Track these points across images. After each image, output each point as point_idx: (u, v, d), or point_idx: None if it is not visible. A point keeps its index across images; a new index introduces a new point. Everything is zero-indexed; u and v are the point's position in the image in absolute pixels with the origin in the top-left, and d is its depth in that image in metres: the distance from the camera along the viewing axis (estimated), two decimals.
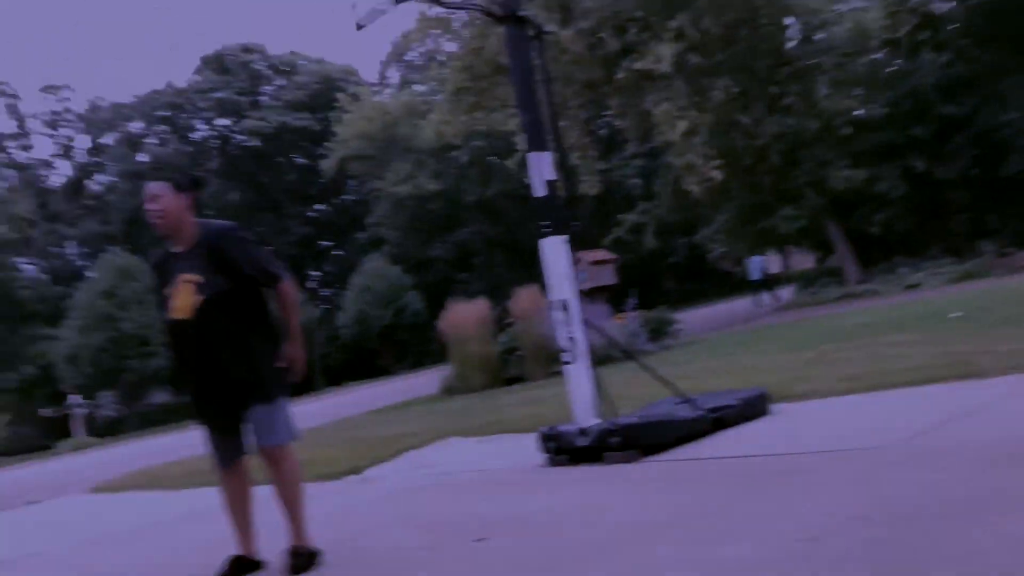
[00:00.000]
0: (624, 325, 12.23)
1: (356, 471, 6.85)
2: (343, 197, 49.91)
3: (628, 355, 6.62)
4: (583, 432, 5.12)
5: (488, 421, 7.94)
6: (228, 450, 3.72)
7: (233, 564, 3.69)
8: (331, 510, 5.17)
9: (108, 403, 35.81)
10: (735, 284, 32.32)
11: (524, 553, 3.35)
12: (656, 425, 5.06)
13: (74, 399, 29.97)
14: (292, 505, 3.74)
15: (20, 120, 48.34)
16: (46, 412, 31.40)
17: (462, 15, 18.07)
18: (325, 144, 41.42)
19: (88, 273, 40.79)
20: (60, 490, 10.88)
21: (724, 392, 6.01)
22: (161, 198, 3.68)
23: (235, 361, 3.56)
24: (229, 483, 3.77)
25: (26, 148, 49.08)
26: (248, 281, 3.63)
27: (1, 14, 70.68)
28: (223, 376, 3.58)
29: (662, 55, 16.01)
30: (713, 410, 5.32)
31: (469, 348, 12.69)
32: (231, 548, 3.86)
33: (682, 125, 16.46)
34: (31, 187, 46.75)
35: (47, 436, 32.88)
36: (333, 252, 50.52)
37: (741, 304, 24.62)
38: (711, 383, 6.80)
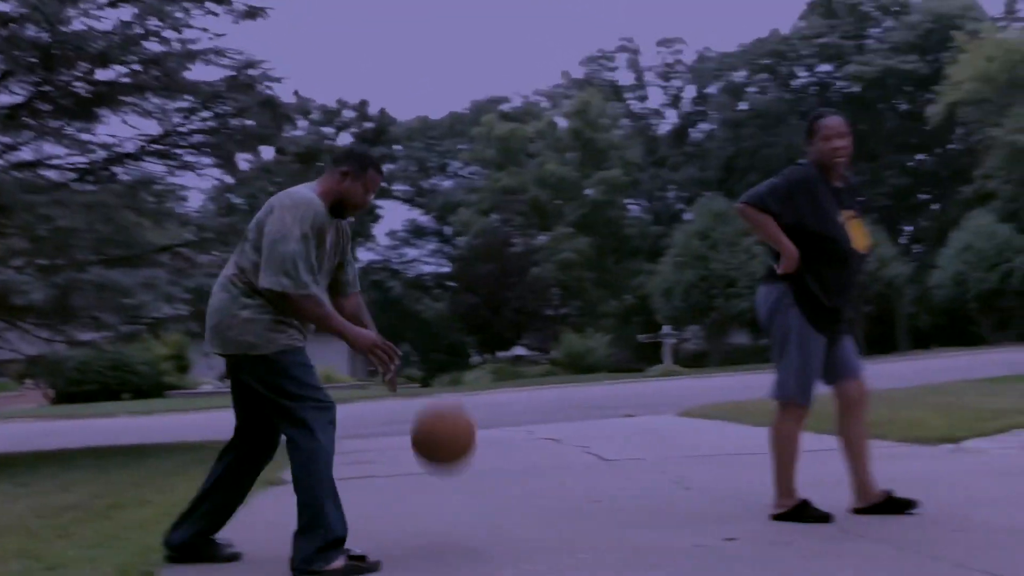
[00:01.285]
0: None
1: (952, 439, 6.33)
2: (948, 146, 45.68)
3: None
4: None
5: None
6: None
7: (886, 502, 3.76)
8: (924, 475, 4.84)
9: (694, 336, 38.44)
10: None
11: None
12: None
13: (666, 329, 32.69)
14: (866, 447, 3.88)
15: (638, 72, 53.40)
16: (642, 338, 34.81)
17: None
18: (933, 88, 38.17)
19: (686, 215, 43.85)
20: (652, 408, 12.00)
21: None
22: (847, 135, 3.83)
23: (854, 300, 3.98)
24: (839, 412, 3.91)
25: (641, 99, 54.10)
26: None
27: None
28: (845, 314, 3.87)
29: None
30: None
31: None
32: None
33: None
34: (642, 135, 51.55)
35: (640, 359, 36.55)
36: (931, 206, 46.83)
37: None
38: None
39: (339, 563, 3.13)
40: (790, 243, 3.65)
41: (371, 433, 9.75)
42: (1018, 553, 3.07)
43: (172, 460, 8.01)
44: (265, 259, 3.25)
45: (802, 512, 3.69)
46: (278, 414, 3.36)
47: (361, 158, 3.51)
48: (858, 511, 3.77)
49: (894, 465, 4.95)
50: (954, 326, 35.41)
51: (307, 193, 3.38)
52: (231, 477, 3.55)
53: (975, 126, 39.17)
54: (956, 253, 33.19)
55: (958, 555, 3.03)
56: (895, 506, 3.71)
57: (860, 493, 3.80)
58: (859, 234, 3.78)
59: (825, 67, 47.44)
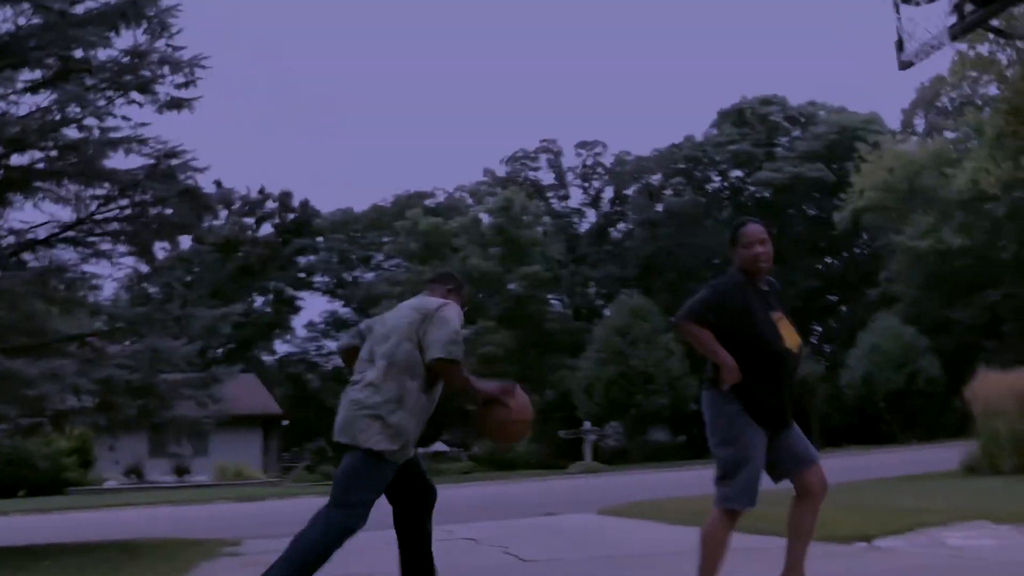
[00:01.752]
0: None
1: (865, 538, 6.41)
2: (855, 250, 47.80)
3: None
4: None
5: None
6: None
7: None
8: (842, 574, 4.89)
9: (615, 432, 38.52)
10: None
11: None
12: None
13: (587, 425, 32.74)
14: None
15: (559, 172, 54.82)
16: (563, 434, 34.75)
17: (1009, 52, 16.24)
18: (839, 195, 40.13)
19: (606, 311, 44.50)
20: (573, 506, 11.90)
21: None
22: (768, 241, 4.03)
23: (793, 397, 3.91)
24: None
25: (563, 198, 55.40)
26: None
27: (548, 76, 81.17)
28: (789, 410, 3.89)
29: None
30: None
31: (1002, 425, 11.17)
32: None
33: None
34: (563, 232, 52.62)
35: (561, 456, 36.37)
36: (840, 307, 48.59)
37: None
38: None
39: None
40: (727, 355, 3.71)
41: (284, 533, 9.39)
42: None
43: (71, 562, 7.56)
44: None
45: None
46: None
47: (458, 280, 4.80)
48: None
49: (812, 564, 4.98)
50: (865, 424, 36.31)
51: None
52: (408, 534, 4.26)
53: (878, 232, 41.20)
54: (864, 353, 34.33)
55: None
56: None
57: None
58: (789, 333, 3.89)
59: (737, 172, 49.52)
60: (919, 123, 46.91)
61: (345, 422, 4.05)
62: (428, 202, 53.61)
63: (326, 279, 54.23)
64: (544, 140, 54.68)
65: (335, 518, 3.95)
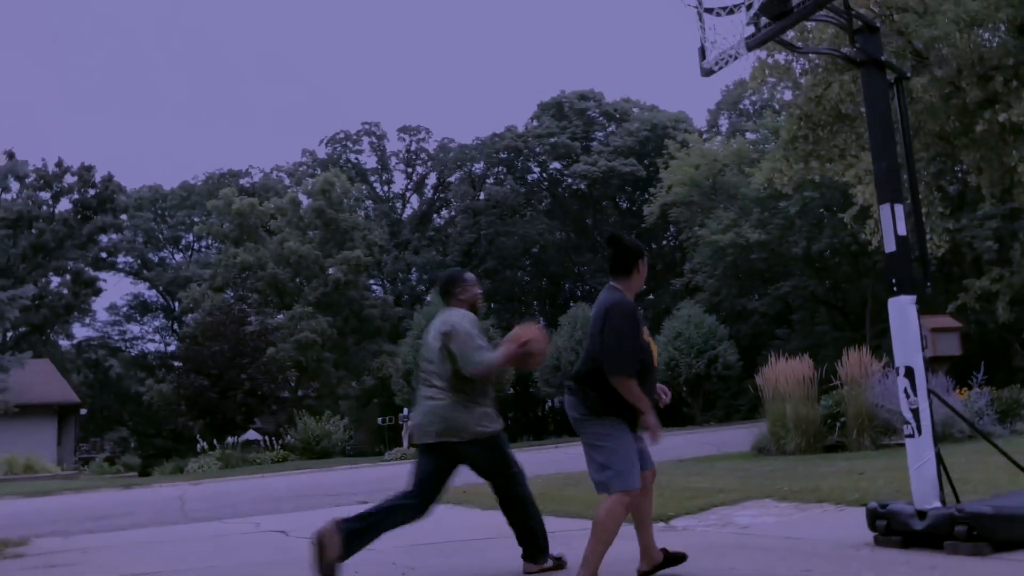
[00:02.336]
0: (968, 401, 11.00)
1: (662, 518, 6.75)
2: (663, 242, 50.22)
3: (980, 434, 5.92)
4: (921, 515, 4.64)
5: (806, 487, 7.48)
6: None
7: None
8: (635, 554, 5.13)
9: None
10: None
11: None
12: (1013, 519, 4.45)
13: (406, 412, 32.64)
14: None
15: (383, 157, 54.27)
16: (382, 420, 34.51)
17: (802, 61, 17.51)
18: (649, 190, 41.99)
19: (427, 298, 44.48)
20: (389, 494, 11.82)
21: None
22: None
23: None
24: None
25: (386, 183, 54.91)
26: None
27: (372, 61, 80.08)
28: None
29: None
30: None
31: (787, 408, 12.08)
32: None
33: None
34: (386, 217, 52.17)
35: (379, 443, 36.14)
36: (648, 296, 50.89)
37: None
38: None
39: None
40: (647, 402, 4.24)
41: (77, 531, 8.82)
42: None
43: None
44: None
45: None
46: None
47: (455, 279, 5.29)
48: (642, 574, 4.46)
49: (613, 545, 5.19)
50: (669, 407, 38.18)
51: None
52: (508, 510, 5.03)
53: (684, 225, 43.43)
54: (669, 340, 36.10)
55: None
56: (673, 559, 4.50)
57: (645, 557, 4.48)
58: (655, 349, 4.50)
59: (556, 164, 50.80)
60: (723, 123, 49.84)
61: (438, 426, 4.88)
62: (243, 181, 51.70)
63: (130, 260, 51.19)
64: (367, 123, 54.04)
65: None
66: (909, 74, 14.88)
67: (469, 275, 5.28)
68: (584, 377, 4.28)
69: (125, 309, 51.12)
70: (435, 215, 54.27)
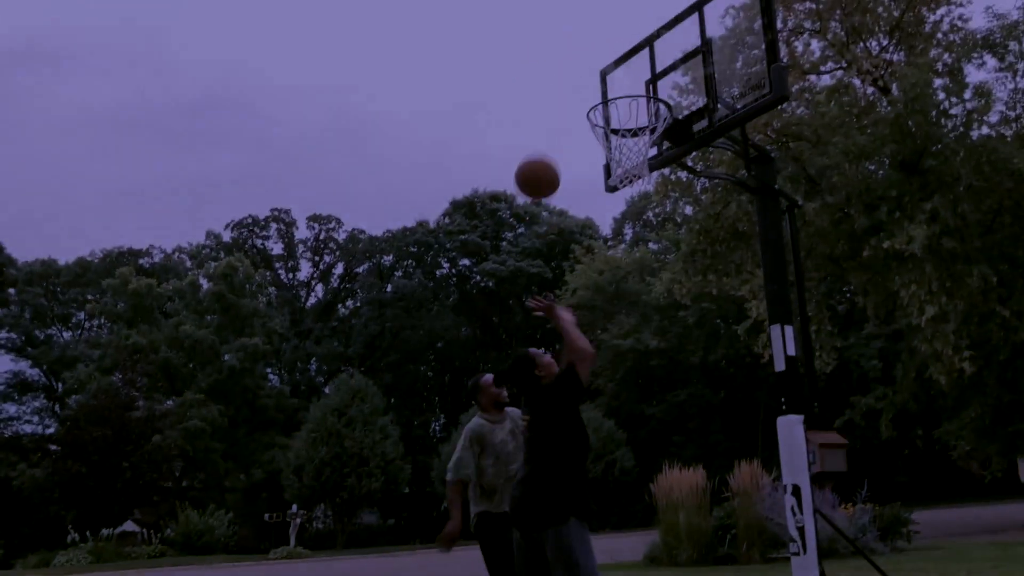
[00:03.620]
0: (853, 518, 11.28)
1: None
2: None
3: (860, 554, 6.07)
4: None
5: None
6: None
7: None
8: None
9: (322, 516, 37.36)
10: (982, 487, 29.20)
11: None
12: None
13: (294, 508, 31.51)
14: None
15: (289, 244, 53.82)
16: (268, 516, 33.18)
17: (703, 180, 18.32)
18: (555, 291, 42.68)
19: (326, 389, 43.62)
20: None
21: None
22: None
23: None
24: None
25: (292, 270, 54.29)
26: None
27: (286, 143, 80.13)
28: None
29: (914, 236, 15.28)
30: None
31: (680, 517, 12.15)
32: None
33: (931, 310, 15.44)
34: (289, 304, 51.39)
35: (264, 539, 34.65)
36: None
37: (989, 511, 22.08)
38: None
39: None
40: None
41: None
42: None
43: None
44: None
45: None
46: None
47: (474, 386, 5.51)
48: None
49: None
50: None
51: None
52: None
53: (586, 329, 44.05)
54: None
55: None
56: None
57: None
58: None
59: (465, 261, 51.29)
60: (628, 232, 51.41)
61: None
62: (143, 261, 50.33)
63: (13, 336, 48.76)
64: (276, 209, 53.66)
65: None
66: (801, 202, 15.76)
67: (486, 378, 5.44)
68: None
69: (2, 387, 48.36)
70: (340, 305, 53.76)
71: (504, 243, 50.50)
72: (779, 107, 13.34)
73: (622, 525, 35.08)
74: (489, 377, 5.39)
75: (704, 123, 5.49)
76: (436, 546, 5.31)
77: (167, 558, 27.08)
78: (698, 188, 18.61)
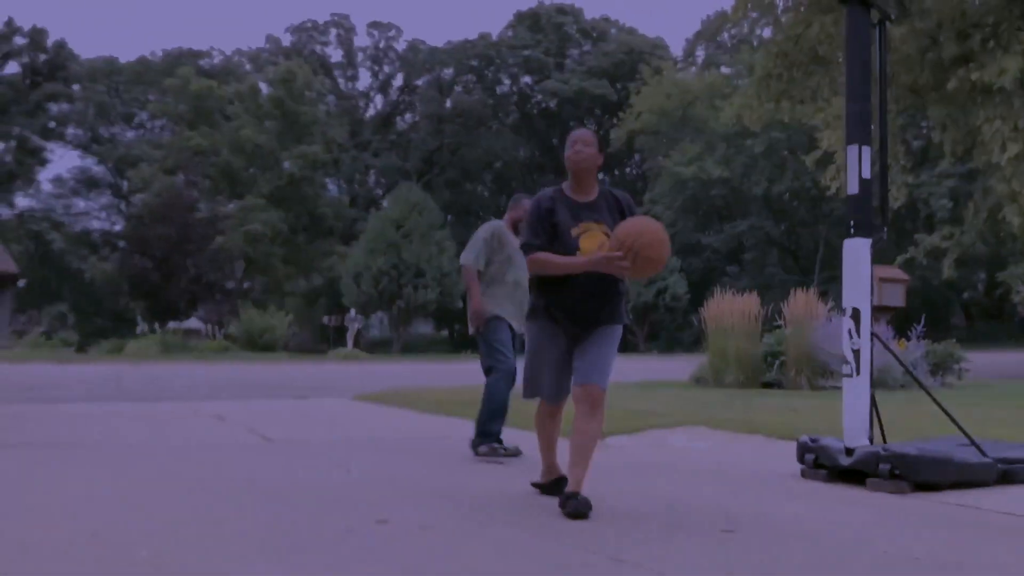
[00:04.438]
0: (905, 352, 11.25)
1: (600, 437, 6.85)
2: (625, 170, 50.10)
3: (917, 382, 6.05)
4: (849, 451, 4.75)
5: (740, 418, 7.63)
6: (563, 387, 4.09)
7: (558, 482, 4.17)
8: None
9: (379, 323, 38.65)
10: None
11: (778, 553, 3.15)
12: (934, 462, 4.58)
13: (352, 313, 32.61)
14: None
15: (349, 52, 52.85)
16: (327, 320, 34.43)
17: None
18: (619, 114, 41.68)
19: (383, 202, 44.00)
20: (329, 391, 11.88)
21: (1018, 444, 5.35)
22: (591, 145, 4.21)
23: (614, 302, 4.02)
24: (553, 416, 4.22)
25: (351, 79, 53.61)
26: None
27: None
28: (597, 314, 3.99)
29: (1006, 68, 14.37)
30: (1003, 460, 4.74)
31: (729, 343, 12.23)
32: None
33: (1014, 148, 14.75)
34: (348, 115, 51.09)
35: (322, 342, 36.12)
36: None
37: None
38: (993, 432, 6.07)
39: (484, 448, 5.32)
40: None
41: (9, 399, 8.71)
42: (635, 534, 3.36)
43: None
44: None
45: (554, 487, 4.14)
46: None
47: (515, 203, 5.75)
48: (534, 484, 4.30)
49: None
50: None
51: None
52: None
53: (648, 155, 43.33)
54: None
55: (585, 541, 3.25)
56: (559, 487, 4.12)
57: (545, 472, 4.30)
58: (591, 244, 3.94)
59: (527, 78, 50.00)
60: (700, 54, 49.37)
61: None
62: (202, 62, 50.01)
63: (79, 132, 49.60)
64: (335, 14, 52.42)
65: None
66: (894, 16, 14.79)
67: (525, 200, 5.53)
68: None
69: (71, 183, 49.72)
70: (398, 118, 53.30)
71: (569, 61, 48.95)
72: None
73: (668, 350, 35.77)
74: (528, 202, 5.30)
75: None
76: (470, 326, 5.49)
77: (230, 352, 28.47)
78: (780, 7, 17.57)
